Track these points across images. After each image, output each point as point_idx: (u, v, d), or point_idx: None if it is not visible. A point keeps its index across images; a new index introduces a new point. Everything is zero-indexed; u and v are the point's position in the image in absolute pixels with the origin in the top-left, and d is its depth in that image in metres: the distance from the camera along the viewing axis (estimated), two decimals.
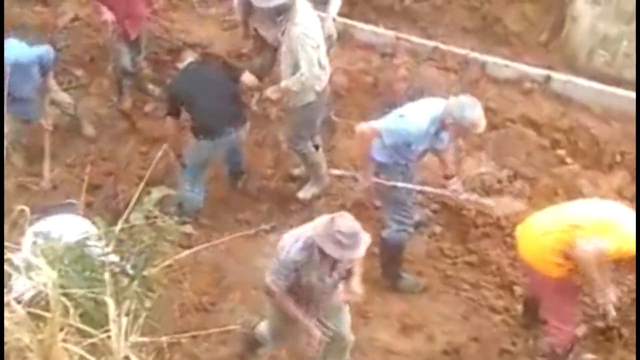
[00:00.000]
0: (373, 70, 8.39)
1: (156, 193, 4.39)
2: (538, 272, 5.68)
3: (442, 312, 6.55)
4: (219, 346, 6.05)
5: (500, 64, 8.40)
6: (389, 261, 6.63)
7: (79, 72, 8.47)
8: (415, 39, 8.64)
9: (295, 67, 6.62)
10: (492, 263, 6.82)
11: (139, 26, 7.84)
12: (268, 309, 5.66)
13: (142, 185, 4.63)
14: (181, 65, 7.12)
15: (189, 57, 7.15)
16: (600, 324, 6.35)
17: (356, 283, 5.44)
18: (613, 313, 5.77)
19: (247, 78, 7.06)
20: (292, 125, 7.11)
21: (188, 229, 6.79)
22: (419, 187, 6.48)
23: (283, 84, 6.75)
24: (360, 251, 5.04)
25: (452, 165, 6.59)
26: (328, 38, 7.26)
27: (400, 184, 6.28)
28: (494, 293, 6.65)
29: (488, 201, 6.81)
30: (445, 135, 6.24)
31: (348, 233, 4.93)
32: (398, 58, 8.54)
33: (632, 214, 5.64)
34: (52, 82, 7.47)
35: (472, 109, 5.97)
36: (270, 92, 6.90)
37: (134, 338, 3.78)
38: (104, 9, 7.47)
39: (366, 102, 8.00)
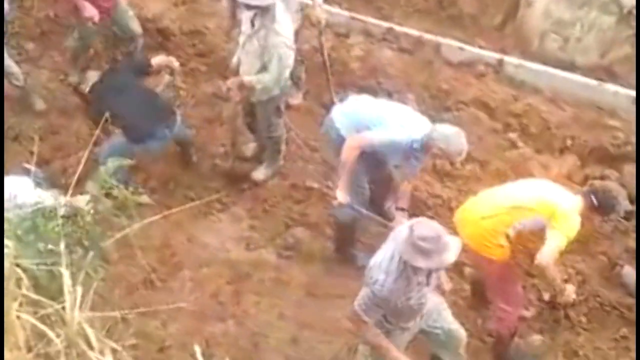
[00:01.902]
0: (328, 50, 8.32)
1: (112, 162, 4.32)
2: (481, 256, 5.72)
3: None
4: (169, 323, 5.99)
5: (454, 47, 8.44)
6: (341, 240, 6.64)
7: (29, 46, 8.31)
8: (370, 19, 8.65)
9: (263, 67, 6.64)
10: None
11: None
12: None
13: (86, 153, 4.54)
14: (89, 86, 7.02)
15: (94, 76, 7.08)
16: (546, 307, 6.43)
17: (443, 275, 5.36)
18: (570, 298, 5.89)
19: (157, 60, 7.10)
20: (263, 117, 7.06)
21: (144, 199, 6.67)
22: (365, 212, 6.41)
23: (247, 79, 6.72)
24: (451, 254, 4.75)
25: (407, 199, 6.53)
26: (317, 24, 7.37)
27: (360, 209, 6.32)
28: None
29: None
30: (422, 157, 6.24)
31: (430, 238, 4.68)
32: (352, 38, 8.54)
33: (564, 190, 5.72)
34: None
35: (457, 141, 5.98)
36: (231, 82, 6.84)
37: (85, 312, 3.72)
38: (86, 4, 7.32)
39: (320, 81, 7.95)
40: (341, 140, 6.23)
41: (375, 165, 6.35)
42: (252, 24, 6.63)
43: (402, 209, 6.46)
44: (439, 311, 5.36)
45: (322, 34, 7.58)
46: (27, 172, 5.17)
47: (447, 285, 5.51)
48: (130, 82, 6.92)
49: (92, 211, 4.12)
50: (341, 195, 6.17)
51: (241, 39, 6.85)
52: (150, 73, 7.12)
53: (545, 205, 5.52)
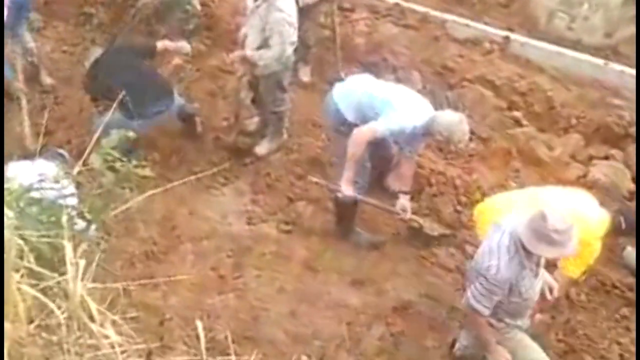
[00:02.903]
0: (332, 25, 8.30)
1: (115, 134, 4.30)
2: None
3: (394, 269, 6.55)
4: (169, 295, 6.00)
5: (460, 23, 8.41)
6: (342, 217, 6.62)
7: (33, 16, 8.27)
8: None
9: (265, 42, 6.63)
10: (444, 221, 6.83)
11: None
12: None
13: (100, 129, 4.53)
14: (89, 60, 7.00)
15: (96, 52, 7.07)
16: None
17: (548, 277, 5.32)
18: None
19: (161, 44, 7.12)
20: (266, 92, 7.05)
21: (147, 172, 6.66)
22: (370, 200, 6.46)
23: (250, 54, 6.73)
24: (572, 246, 4.70)
25: (409, 181, 6.58)
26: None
27: (359, 197, 6.35)
28: (445, 251, 6.67)
29: (427, 224, 6.74)
30: (424, 141, 6.32)
31: (562, 230, 4.60)
32: (357, 13, 8.49)
33: (596, 206, 5.62)
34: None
35: (459, 128, 6.03)
36: (235, 56, 6.89)
37: (86, 284, 3.72)
38: None
39: (325, 56, 7.91)
40: (341, 119, 6.24)
41: (377, 145, 6.35)
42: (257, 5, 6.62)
43: (405, 192, 6.48)
44: None
45: (334, 11, 7.62)
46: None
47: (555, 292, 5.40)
48: (132, 61, 6.92)
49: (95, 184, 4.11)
50: (347, 189, 6.21)
51: (247, 12, 6.83)
52: (154, 56, 7.13)
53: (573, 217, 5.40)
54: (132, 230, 6.37)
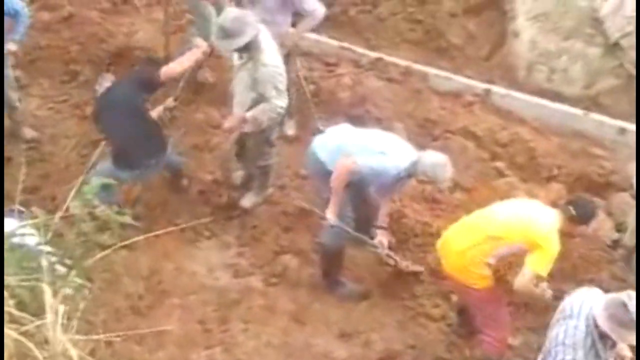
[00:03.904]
0: (316, 79, 8.42)
1: (95, 181, 4.34)
2: (465, 285, 5.75)
3: (380, 319, 6.56)
4: (155, 350, 5.98)
5: (442, 77, 8.52)
6: (329, 267, 6.64)
7: (18, 73, 8.33)
8: (359, 49, 8.72)
9: (261, 97, 6.61)
10: (430, 272, 6.86)
11: None
12: None
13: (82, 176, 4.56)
14: (99, 89, 6.93)
15: (106, 81, 6.94)
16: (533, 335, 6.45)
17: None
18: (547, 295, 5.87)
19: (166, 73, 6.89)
20: (255, 147, 7.06)
21: (127, 219, 6.68)
22: (352, 232, 6.48)
23: (250, 114, 6.67)
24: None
25: (386, 217, 6.69)
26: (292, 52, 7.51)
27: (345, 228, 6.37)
28: (431, 301, 6.68)
29: (404, 263, 6.80)
30: (406, 183, 6.44)
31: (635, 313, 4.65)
32: (341, 67, 8.61)
33: (542, 208, 5.78)
34: None
35: (443, 169, 6.15)
36: (234, 121, 6.83)
37: (71, 335, 3.73)
38: None
39: (308, 110, 8.00)
40: (323, 169, 6.31)
41: (359, 193, 6.41)
42: (240, 56, 6.69)
43: (381, 227, 6.57)
44: None
45: (297, 62, 7.73)
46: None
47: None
48: (134, 98, 6.70)
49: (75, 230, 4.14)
50: (331, 217, 6.25)
51: (234, 71, 6.91)
52: (158, 90, 6.99)
53: (522, 230, 5.59)
54: (118, 285, 6.37)
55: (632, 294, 4.73)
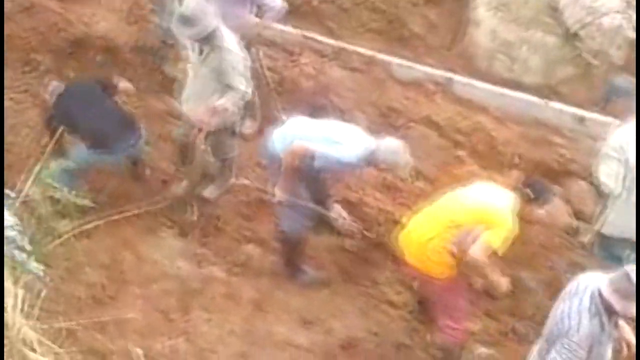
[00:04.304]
0: (279, 68, 8.42)
1: (54, 165, 4.32)
2: (426, 275, 5.81)
3: (342, 307, 6.61)
4: (117, 339, 5.97)
5: (404, 66, 8.55)
6: (290, 255, 6.67)
7: None
8: (322, 38, 8.73)
9: (227, 87, 6.59)
10: (392, 259, 6.90)
11: None
12: None
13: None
14: (50, 94, 7.05)
15: (58, 88, 7.08)
16: (493, 321, 6.53)
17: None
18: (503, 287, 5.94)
19: (124, 85, 7.16)
20: (218, 140, 7.02)
21: (86, 202, 6.69)
22: (305, 203, 6.48)
23: (220, 104, 6.60)
24: None
25: (332, 189, 6.79)
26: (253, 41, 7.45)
27: (298, 202, 6.36)
28: (393, 288, 6.74)
29: (367, 233, 6.89)
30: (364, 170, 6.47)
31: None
32: (304, 57, 8.61)
33: (499, 190, 5.87)
34: None
35: (401, 155, 6.21)
36: (206, 115, 6.66)
37: (32, 322, 3.73)
38: None
39: (270, 99, 8.00)
40: (280, 162, 6.30)
41: (314, 181, 6.46)
42: (200, 52, 6.64)
43: (332, 198, 6.72)
44: None
45: (259, 52, 7.75)
46: None
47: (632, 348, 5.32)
48: (98, 95, 6.97)
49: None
50: (279, 194, 6.28)
51: (190, 69, 6.84)
52: (113, 94, 7.17)
53: (482, 214, 5.66)
54: (79, 274, 6.36)
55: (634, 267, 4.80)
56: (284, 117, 7.28)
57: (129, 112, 7.27)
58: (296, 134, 6.32)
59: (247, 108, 7.41)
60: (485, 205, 5.69)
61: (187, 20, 6.44)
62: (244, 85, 6.60)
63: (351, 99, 8.34)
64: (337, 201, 6.73)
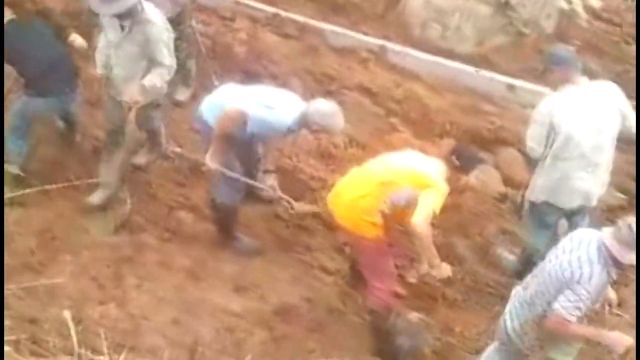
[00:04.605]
0: (212, 34, 8.35)
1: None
2: (356, 235, 5.86)
3: (275, 274, 6.62)
4: (49, 305, 5.91)
5: (338, 33, 8.56)
6: (223, 223, 6.66)
7: None
8: (255, 4, 8.69)
9: (152, 63, 6.44)
10: (325, 225, 6.95)
11: None
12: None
13: None
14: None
15: (9, 15, 6.84)
16: (423, 285, 6.62)
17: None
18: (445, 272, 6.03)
19: (75, 39, 6.93)
20: (143, 117, 6.74)
21: (14, 169, 6.67)
22: (236, 176, 6.45)
23: (147, 82, 6.42)
24: None
25: (272, 160, 6.74)
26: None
27: (229, 173, 6.32)
28: (325, 254, 6.79)
29: (297, 204, 6.86)
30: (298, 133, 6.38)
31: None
32: (237, 22, 8.56)
33: (427, 158, 5.94)
34: None
35: (334, 117, 6.15)
36: (136, 93, 6.44)
37: None
38: None
39: (204, 65, 7.94)
40: (210, 129, 6.23)
41: (246, 148, 6.43)
42: (122, 28, 6.47)
43: (269, 171, 6.63)
44: None
45: (192, 17, 7.66)
46: None
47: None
48: (49, 35, 6.85)
49: None
50: (211, 162, 6.22)
51: (110, 49, 6.61)
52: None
53: (412, 175, 5.71)
54: (9, 242, 6.27)
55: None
56: (217, 83, 7.22)
57: (75, 66, 7.10)
58: (226, 100, 6.24)
59: (182, 75, 7.39)
60: (416, 169, 5.75)
61: None
62: (169, 60, 6.47)
63: (285, 65, 8.33)
64: (269, 170, 6.68)
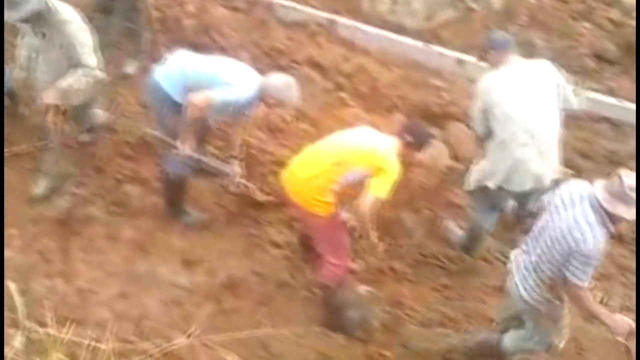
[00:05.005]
0: (161, 7, 8.25)
1: None
2: (309, 213, 5.86)
3: (224, 248, 6.62)
4: None
5: (288, 6, 8.53)
6: (172, 196, 6.62)
7: None
8: None
9: (70, 64, 6.12)
10: (274, 199, 6.94)
11: None
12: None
13: None
14: None
15: None
16: (372, 259, 6.66)
17: None
18: (381, 248, 6.11)
19: None
20: (79, 118, 6.63)
21: None
22: (197, 156, 6.43)
23: (65, 83, 6.11)
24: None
25: (237, 146, 6.69)
26: None
27: (193, 154, 6.30)
28: (275, 229, 6.79)
29: (258, 191, 6.90)
30: (255, 107, 6.33)
31: (633, 187, 4.81)
32: None
33: (380, 135, 5.96)
34: None
35: (290, 90, 6.18)
36: (50, 96, 6.14)
37: None
38: None
39: (154, 38, 7.85)
40: (166, 99, 6.17)
41: (204, 126, 6.42)
42: (43, 35, 6.18)
43: (234, 157, 6.61)
44: None
45: None
46: None
47: None
48: None
49: None
50: (185, 149, 6.18)
51: (32, 59, 6.33)
52: None
53: (366, 155, 5.72)
54: None
55: (629, 172, 4.94)
56: (166, 56, 7.14)
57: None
58: (182, 71, 6.18)
59: (134, 47, 7.34)
60: (370, 148, 5.75)
61: (9, 2, 5.99)
62: (89, 59, 6.17)
63: (234, 38, 8.28)
64: (233, 156, 6.69)
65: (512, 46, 6.30)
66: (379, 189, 5.64)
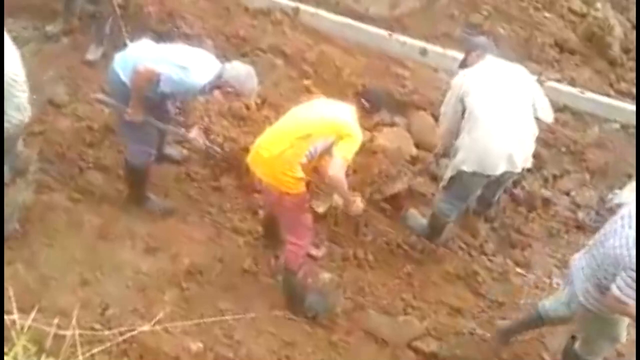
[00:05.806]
0: None
1: None
2: (276, 191, 5.87)
3: (188, 234, 6.62)
4: None
5: None
6: (134, 183, 6.60)
7: None
8: None
9: None
10: (237, 186, 6.95)
11: None
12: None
13: None
14: None
15: None
16: (336, 246, 6.71)
17: None
18: (360, 207, 6.11)
19: None
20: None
21: None
22: (162, 125, 6.42)
23: None
24: None
25: (192, 116, 6.78)
26: None
27: (155, 122, 6.27)
28: (238, 215, 6.80)
29: (221, 150, 6.94)
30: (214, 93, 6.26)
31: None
32: None
33: (338, 104, 6.02)
34: None
35: (249, 80, 6.09)
36: None
37: None
38: None
39: (117, 25, 7.79)
40: (124, 88, 6.07)
41: (160, 109, 6.38)
42: None
43: (191, 125, 6.70)
44: None
45: None
46: None
47: None
48: None
49: None
50: (134, 114, 6.10)
51: None
52: None
53: (327, 125, 5.74)
54: None
55: None
56: (128, 42, 7.10)
57: None
58: (140, 56, 6.11)
59: (96, 33, 7.31)
60: (329, 118, 5.79)
61: None
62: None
63: (198, 25, 8.25)
64: (190, 125, 6.69)
65: (492, 49, 6.54)
66: (344, 152, 5.66)
